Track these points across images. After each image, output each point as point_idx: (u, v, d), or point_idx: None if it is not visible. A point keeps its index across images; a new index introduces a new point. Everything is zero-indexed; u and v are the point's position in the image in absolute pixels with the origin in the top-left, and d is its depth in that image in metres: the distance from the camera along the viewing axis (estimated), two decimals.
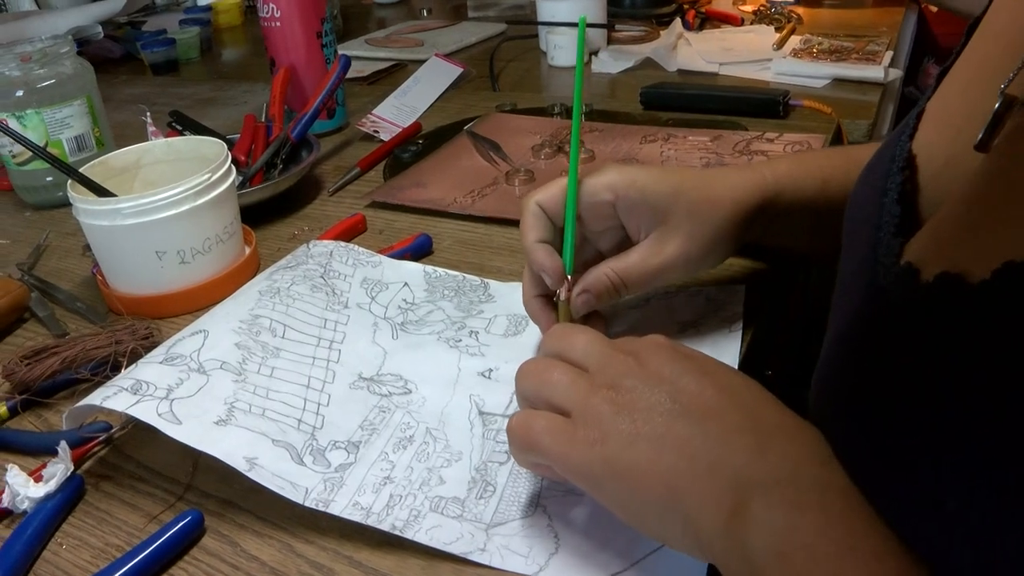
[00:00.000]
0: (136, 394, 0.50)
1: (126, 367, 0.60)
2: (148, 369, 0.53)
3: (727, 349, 0.58)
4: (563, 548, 0.44)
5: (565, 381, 0.42)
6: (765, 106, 1.02)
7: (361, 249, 0.71)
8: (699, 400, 0.39)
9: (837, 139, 0.96)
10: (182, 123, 1.06)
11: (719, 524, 0.36)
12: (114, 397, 0.50)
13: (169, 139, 0.80)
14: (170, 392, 0.51)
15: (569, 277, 0.55)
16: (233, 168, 0.74)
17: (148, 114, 0.99)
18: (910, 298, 0.34)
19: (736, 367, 0.55)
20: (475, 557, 0.44)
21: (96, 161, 0.76)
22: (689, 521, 0.37)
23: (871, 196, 0.42)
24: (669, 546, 0.39)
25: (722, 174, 0.58)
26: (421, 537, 0.45)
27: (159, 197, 0.67)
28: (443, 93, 1.24)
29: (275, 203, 0.88)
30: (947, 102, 0.44)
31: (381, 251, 0.73)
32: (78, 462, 0.54)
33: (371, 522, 0.46)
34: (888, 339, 0.35)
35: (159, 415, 0.49)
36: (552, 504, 0.47)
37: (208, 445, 0.48)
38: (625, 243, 0.58)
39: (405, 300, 0.67)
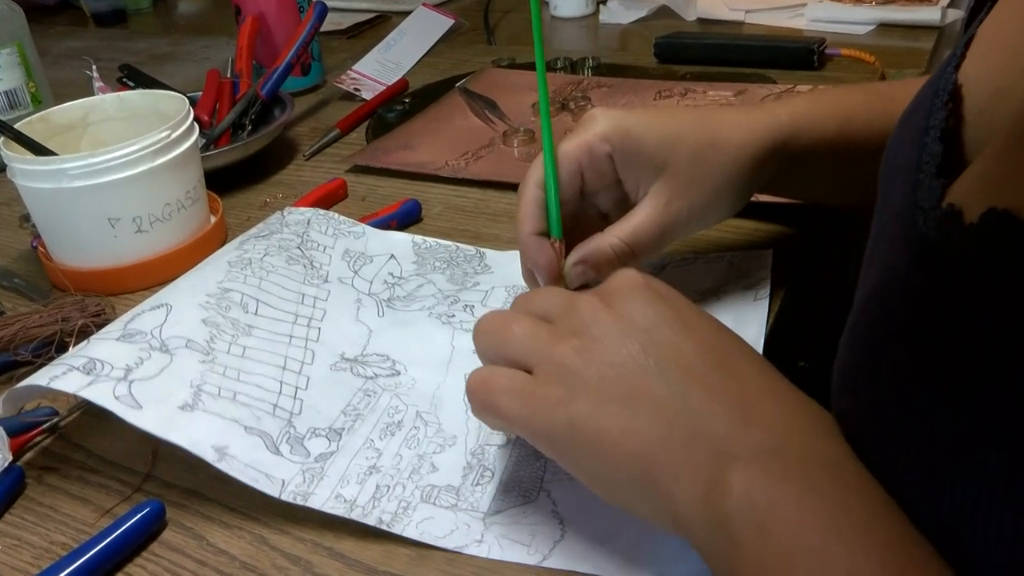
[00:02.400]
0: (89, 374, 0.50)
1: (75, 347, 0.59)
2: (102, 346, 0.52)
3: (751, 320, 0.57)
4: (569, 535, 0.44)
5: (525, 332, 0.42)
6: (797, 56, 1.01)
7: (342, 217, 0.70)
8: (678, 356, 0.39)
9: None
10: (134, 78, 1.05)
11: (696, 498, 0.36)
12: (63, 377, 0.49)
13: (121, 93, 0.79)
14: (128, 372, 0.50)
15: (558, 241, 0.54)
16: (196, 125, 0.74)
17: (94, 67, 0.97)
18: (953, 243, 0.33)
19: (761, 342, 0.55)
20: (471, 551, 0.44)
21: (35, 117, 0.75)
22: (664, 495, 0.37)
23: (911, 136, 0.41)
24: (644, 519, 0.40)
25: (727, 114, 0.57)
26: (411, 532, 0.45)
27: (112, 156, 0.66)
28: (432, 47, 1.23)
29: (244, 168, 0.87)
30: (1000, 26, 0.43)
31: (363, 219, 0.72)
32: (17, 452, 0.53)
33: (355, 516, 0.46)
34: (927, 294, 0.35)
35: (116, 398, 0.49)
36: (557, 488, 0.47)
37: (172, 433, 0.48)
38: (625, 200, 0.57)
39: (392, 274, 0.66)
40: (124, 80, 1.08)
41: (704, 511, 0.36)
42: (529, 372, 0.41)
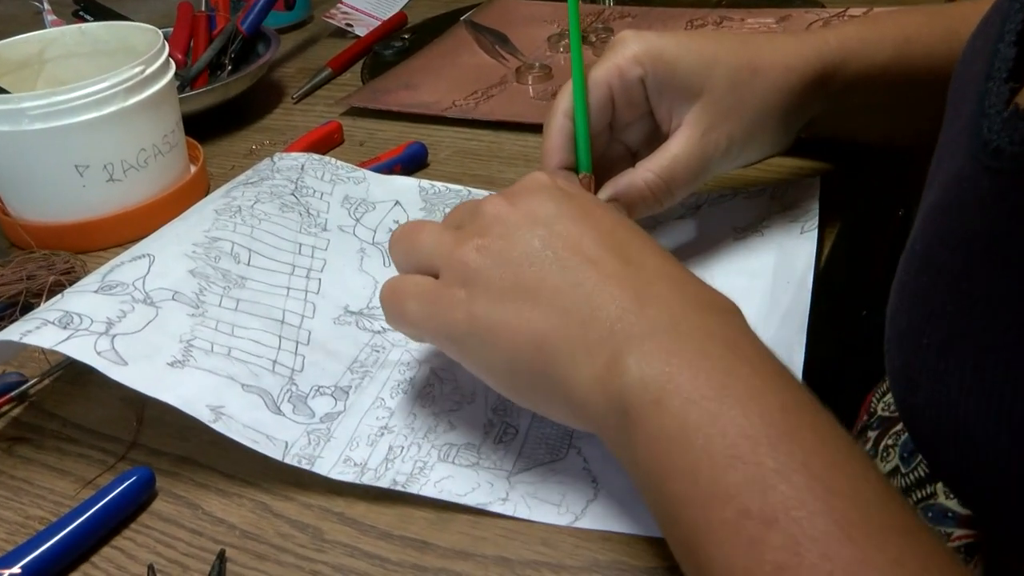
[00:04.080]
0: (66, 328, 0.50)
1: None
2: (80, 299, 0.52)
3: (798, 255, 0.57)
4: (603, 494, 0.45)
5: (432, 239, 0.47)
6: None
7: (340, 162, 0.70)
8: (576, 246, 0.43)
9: None
10: (93, 12, 1.05)
11: (593, 380, 0.40)
12: (37, 332, 0.49)
13: (82, 25, 0.79)
14: (110, 326, 0.50)
15: (588, 176, 0.55)
16: (172, 61, 0.73)
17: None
18: (1017, 146, 0.34)
19: (811, 278, 0.55)
20: (495, 508, 0.44)
21: None
22: (562, 380, 0.41)
23: (983, 46, 0.42)
24: (545, 415, 0.44)
25: (769, 38, 0.58)
26: (429, 490, 0.45)
27: (78, 94, 0.66)
28: None
29: (225, 112, 0.87)
30: None
31: (363, 164, 0.72)
32: None
33: (367, 480, 0.46)
34: (991, 202, 0.35)
35: (98, 353, 0.49)
36: (588, 446, 0.47)
37: (162, 391, 0.48)
38: (655, 136, 0.57)
39: (397, 221, 0.66)
40: (80, 14, 1.07)
41: (601, 392, 0.39)
42: (437, 276, 0.46)
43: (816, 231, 0.59)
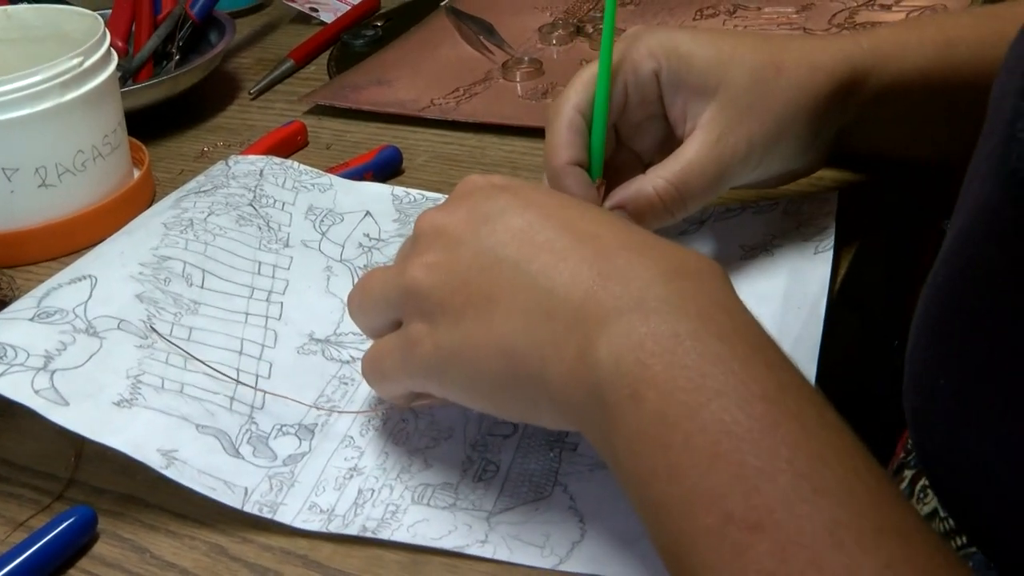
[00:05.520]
0: (0, 363, 0.51)
1: None
2: (13, 328, 0.53)
3: (810, 277, 0.59)
4: (590, 535, 0.46)
5: (379, 282, 0.49)
6: None
7: (303, 167, 0.71)
8: (524, 238, 0.44)
9: None
10: None
11: (566, 376, 0.41)
12: None
13: (7, 8, 0.80)
14: (49, 360, 0.52)
15: (600, 183, 0.56)
16: (113, 52, 0.74)
17: None
18: None
19: (823, 303, 0.56)
20: (473, 551, 0.46)
21: None
22: (537, 383, 0.43)
23: (1022, 56, 0.43)
24: (539, 423, 0.46)
25: (794, 37, 0.60)
26: (401, 535, 0.47)
27: (6, 88, 0.67)
28: None
29: (172, 108, 0.88)
30: None
31: (331, 170, 0.73)
32: None
33: (334, 528, 0.48)
34: (1015, 243, 0.37)
35: (36, 392, 0.50)
36: (575, 481, 0.49)
37: (108, 435, 0.49)
38: (668, 142, 0.59)
39: (368, 235, 0.68)
40: None
41: (577, 387, 0.41)
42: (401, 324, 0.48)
43: (831, 251, 0.60)
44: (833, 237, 0.61)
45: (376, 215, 0.69)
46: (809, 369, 0.52)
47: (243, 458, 0.51)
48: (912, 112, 0.61)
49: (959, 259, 0.41)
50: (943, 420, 0.41)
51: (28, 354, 0.52)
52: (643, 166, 0.59)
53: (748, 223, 0.64)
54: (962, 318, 0.40)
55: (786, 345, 0.54)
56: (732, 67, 0.56)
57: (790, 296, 0.58)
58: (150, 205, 0.75)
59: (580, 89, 0.56)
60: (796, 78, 0.57)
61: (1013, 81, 0.41)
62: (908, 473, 0.61)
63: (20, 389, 0.50)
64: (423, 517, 0.48)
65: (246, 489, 0.49)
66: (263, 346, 0.58)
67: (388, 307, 0.49)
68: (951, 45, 0.60)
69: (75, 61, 0.70)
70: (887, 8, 0.92)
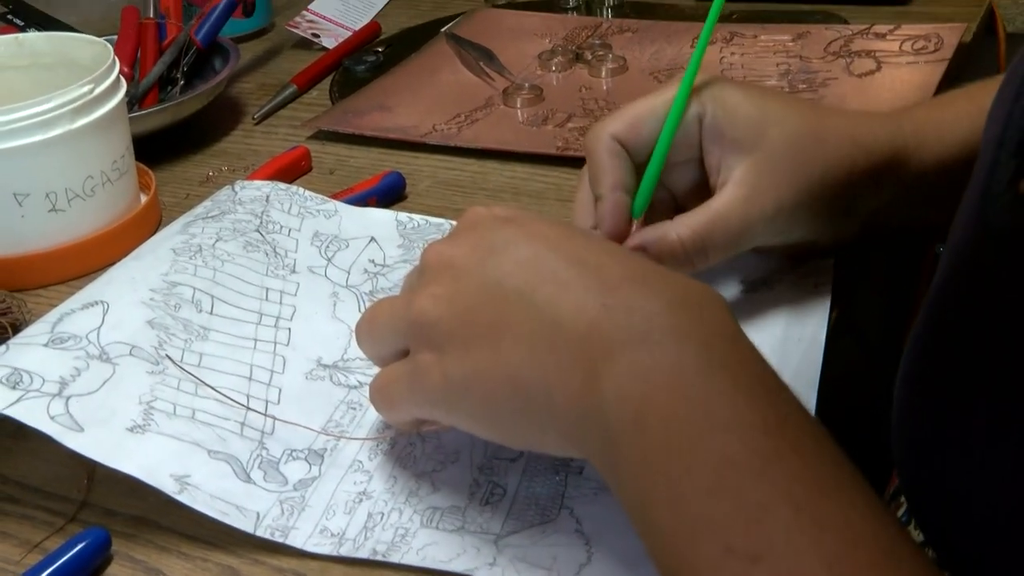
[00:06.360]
0: (15, 388, 0.52)
1: None
2: (28, 353, 0.55)
3: (809, 311, 0.60)
4: (597, 558, 0.47)
5: (387, 312, 0.51)
6: None
7: (308, 193, 0.73)
8: (529, 269, 0.45)
9: (988, 29, 0.96)
10: (24, 15, 1.06)
11: (571, 405, 0.43)
12: None
13: (18, 36, 0.81)
14: (64, 386, 0.53)
15: (637, 222, 0.57)
16: (123, 79, 0.76)
17: None
18: (1020, 234, 0.37)
19: (822, 338, 0.58)
20: (482, 573, 0.47)
21: None
22: (545, 412, 0.44)
23: (1005, 102, 0.44)
24: (546, 451, 0.48)
25: (840, 111, 0.60)
26: (411, 558, 0.48)
27: (20, 115, 0.69)
28: None
29: (177, 134, 0.89)
30: None
31: (336, 196, 0.75)
32: None
33: (345, 551, 0.49)
34: (993, 286, 0.38)
35: (52, 418, 0.51)
36: (580, 504, 0.50)
37: (122, 460, 0.50)
38: (701, 186, 0.60)
39: (373, 260, 0.69)
40: (9, 18, 1.08)
41: (583, 416, 0.42)
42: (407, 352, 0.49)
43: (830, 286, 0.61)
44: (832, 272, 0.63)
45: (381, 241, 0.70)
46: (809, 400, 0.53)
47: (254, 483, 0.52)
48: (951, 188, 0.62)
49: (943, 298, 0.42)
50: (926, 451, 0.43)
51: (43, 380, 0.53)
52: (675, 203, 0.61)
53: (750, 259, 0.65)
54: (941, 349, 0.41)
55: (786, 376, 0.55)
56: (773, 129, 0.57)
57: (790, 329, 0.59)
58: (157, 229, 0.77)
59: (619, 119, 0.57)
60: (835, 151, 0.58)
61: (992, 128, 0.43)
62: (904, 500, 0.62)
63: (36, 415, 0.51)
64: (432, 540, 0.49)
65: (258, 513, 0.50)
66: (272, 372, 0.59)
67: (395, 337, 0.50)
68: (984, 113, 0.61)
69: (86, 88, 0.71)
70: (881, 37, 0.94)
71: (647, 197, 0.57)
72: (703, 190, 0.59)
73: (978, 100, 0.61)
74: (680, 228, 0.56)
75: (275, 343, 0.61)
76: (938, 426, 0.42)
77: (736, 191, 0.57)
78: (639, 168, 0.58)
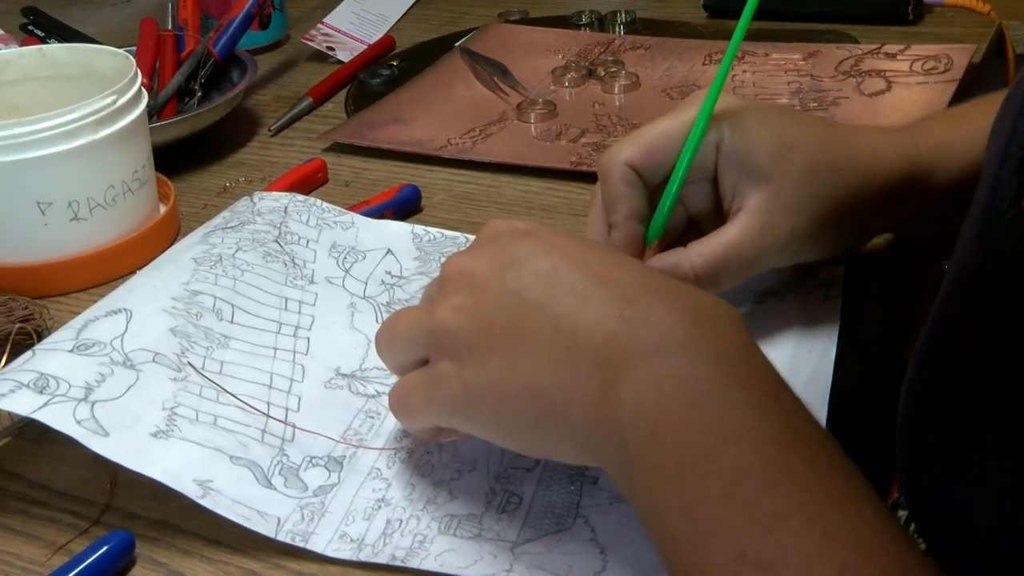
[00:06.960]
0: (42, 392, 0.53)
1: (6, 359, 0.62)
2: (54, 359, 0.56)
3: (820, 323, 0.61)
4: (611, 566, 0.48)
5: (406, 322, 0.52)
6: (885, 6, 1.05)
7: (326, 204, 0.74)
8: (548, 282, 0.47)
9: (998, 51, 0.97)
10: (44, 27, 1.07)
11: (588, 415, 0.44)
12: (10, 396, 0.53)
13: (42, 47, 0.83)
14: (89, 392, 0.54)
15: (653, 244, 0.58)
16: (144, 90, 0.77)
17: None
18: (1021, 253, 0.38)
19: (833, 349, 0.59)
20: None
21: None
22: (563, 423, 0.45)
23: (1008, 116, 0.45)
24: (563, 461, 0.49)
25: (856, 132, 0.61)
26: (429, 564, 0.49)
27: (43, 126, 0.70)
28: None
29: (195, 145, 0.91)
30: None
31: (353, 208, 0.76)
32: None
33: (364, 556, 0.50)
34: (997, 301, 0.39)
35: (78, 423, 0.52)
36: (595, 513, 0.51)
37: (146, 464, 0.51)
38: (715, 209, 0.60)
39: (389, 272, 0.70)
40: (29, 28, 1.09)
41: (599, 426, 0.43)
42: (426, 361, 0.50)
43: (841, 298, 0.63)
44: (842, 284, 0.64)
45: (397, 253, 0.71)
46: (820, 412, 0.54)
47: (275, 489, 0.53)
48: (966, 205, 0.63)
49: (948, 310, 0.44)
50: (930, 465, 0.44)
51: (69, 385, 0.54)
52: (687, 215, 0.61)
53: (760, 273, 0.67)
54: (946, 363, 0.43)
55: (797, 388, 0.57)
56: (789, 159, 0.57)
57: (801, 341, 0.60)
58: (176, 238, 0.78)
59: (634, 145, 0.57)
60: (850, 180, 0.58)
61: (995, 144, 0.44)
62: (902, 514, 0.63)
63: (63, 419, 0.52)
64: (450, 547, 0.50)
65: (279, 519, 0.51)
66: (292, 380, 0.60)
67: (415, 346, 0.51)
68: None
69: (109, 99, 0.72)
70: (892, 57, 0.96)
71: (661, 225, 0.58)
72: (715, 207, 0.60)
73: (987, 114, 0.62)
74: (694, 257, 0.57)
75: (294, 352, 0.62)
76: (941, 440, 0.43)
77: (751, 220, 0.57)
78: (653, 191, 0.58)
